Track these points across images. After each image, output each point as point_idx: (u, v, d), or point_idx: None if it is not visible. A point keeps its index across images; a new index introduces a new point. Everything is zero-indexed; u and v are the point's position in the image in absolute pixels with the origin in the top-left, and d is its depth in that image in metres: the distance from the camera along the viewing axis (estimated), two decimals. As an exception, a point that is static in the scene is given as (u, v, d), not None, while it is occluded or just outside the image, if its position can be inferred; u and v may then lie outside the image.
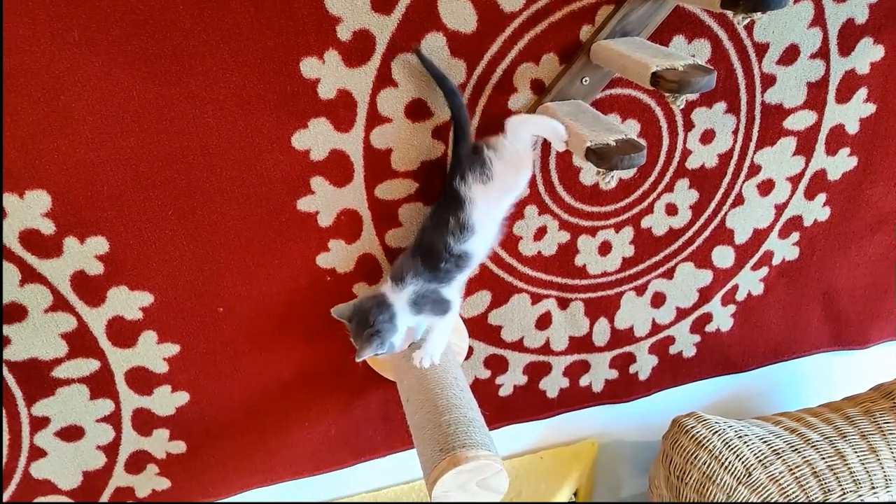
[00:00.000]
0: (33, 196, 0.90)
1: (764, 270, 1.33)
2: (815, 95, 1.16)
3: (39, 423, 1.05)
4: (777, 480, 1.20)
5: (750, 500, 1.19)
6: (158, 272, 1.00)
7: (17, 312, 0.96)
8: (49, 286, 0.96)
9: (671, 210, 1.20)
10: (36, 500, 1.10)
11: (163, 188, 0.94)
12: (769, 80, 1.12)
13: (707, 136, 1.14)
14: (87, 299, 0.98)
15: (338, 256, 1.07)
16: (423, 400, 0.99)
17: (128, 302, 1.00)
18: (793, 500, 1.16)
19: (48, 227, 0.92)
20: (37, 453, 1.07)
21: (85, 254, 0.95)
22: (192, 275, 1.01)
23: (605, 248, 1.20)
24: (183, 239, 0.98)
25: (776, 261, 1.32)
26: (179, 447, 1.15)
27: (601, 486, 1.57)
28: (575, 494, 1.44)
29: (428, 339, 1.03)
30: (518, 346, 1.27)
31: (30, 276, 0.94)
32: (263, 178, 0.98)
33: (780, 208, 1.26)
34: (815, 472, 1.20)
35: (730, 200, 1.22)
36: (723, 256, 1.28)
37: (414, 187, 1.05)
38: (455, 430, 0.94)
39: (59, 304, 0.97)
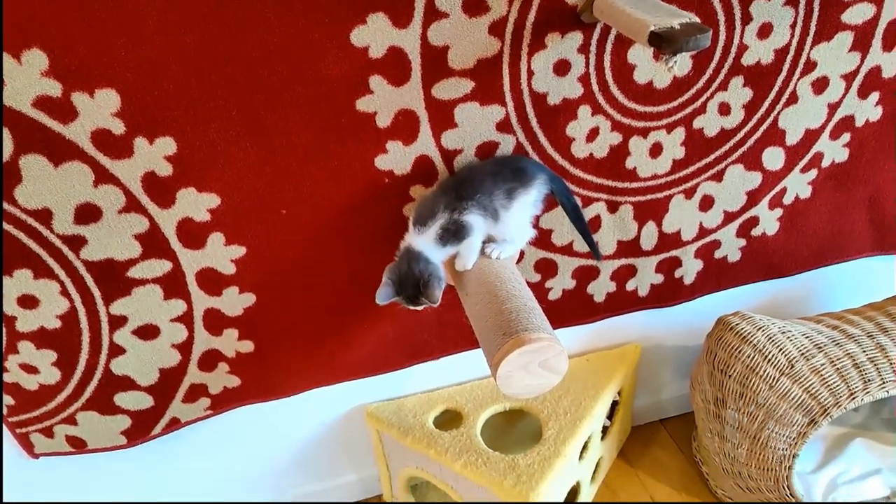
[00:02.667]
0: (103, 95, 0.91)
1: (813, 173, 1.33)
2: (875, -15, 1.13)
3: (117, 322, 1.10)
4: (819, 372, 1.23)
5: (792, 391, 1.23)
6: (224, 174, 1.02)
7: (92, 213, 0.99)
8: (121, 187, 0.99)
9: (724, 110, 1.19)
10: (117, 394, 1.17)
11: (226, 87, 0.95)
12: (830, -31, 1.09)
13: (764, 31, 1.12)
14: (158, 200, 1.01)
15: (395, 158, 1.08)
16: (484, 292, 1.02)
17: (196, 203, 1.03)
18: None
19: (118, 127, 0.94)
20: (116, 350, 1.13)
21: (154, 154, 0.97)
22: (255, 177, 1.04)
23: (656, 150, 1.21)
24: (246, 140, 1.00)
25: (825, 163, 1.32)
26: (248, 346, 1.20)
27: (643, 389, 1.62)
28: (619, 395, 1.49)
29: (459, 257, 1.07)
30: (567, 250, 1.29)
31: (103, 176, 0.97)
32: (323, 77, 0.98)
33: (832, 107, 1.25)
34: (856, 363, 1.24)
35: (783, 99, 1.21)
36: (773, 158, 1.28)
37: (470, 86, 1.05)
38: (517, 316, 0.97)
39: (132, 205, 1.01)
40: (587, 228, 1.19)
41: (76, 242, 1.01)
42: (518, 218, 1.07)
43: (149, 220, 1.02)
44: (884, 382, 1.22)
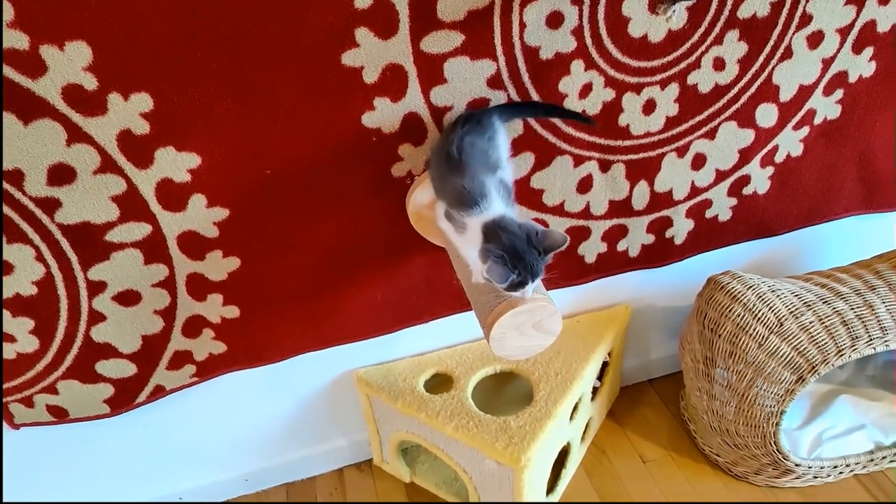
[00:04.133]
0: (74, 48, 0.86)
1: (805, 130, 1.31)
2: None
3: (96, 288, 1.06)
4: (807, 329, 1.24)
5: (780, 348, 1.23)
6: (204, 132, 0.98)
7: (66, 174, 0.95)
8: (96, 146, 0.94)
9: (719, 65, 1.16)
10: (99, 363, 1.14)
11: (205, 40, 0.90)
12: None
13: (762, -18, 1.09)
14: (136, 160, 0.97)
15: (383, 115, 1.05)
16: (477, 254, 1.00)
17: (176, 163, 0.99)
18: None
19: (91, 83, 0.89)
20: (96, 317, 1.09)
21: (130, 111, 0.93)
22: (237, 135, 0.99)
23: (649, 107, 1.18)
24: (227, 96, 0.96)
25: (818, 120, 1.30)
26: (233, 312, 1.17)
27: (632, 349, 1.63)
28: (608, 356, 1.49)
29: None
30: (559, 210, 1.27)
31: (76, 135, 0.92)
32: (307, 29, 0.93)
33: (826, 63, 1.23)
34: (844, 321, 1.24)
35: (778, 54, 1.18)
36: (766, 115, 1.26)
37: (460, 40, 1.01)
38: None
39: (108, 165, 0.96)
40: (556, 105, 1.09)
41: (50, 205, 0.97)
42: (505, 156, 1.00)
43: (126, 182, 0.98)
44: (871, 339, 1.23)
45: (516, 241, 0.86)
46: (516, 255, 0.85)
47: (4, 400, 1.15)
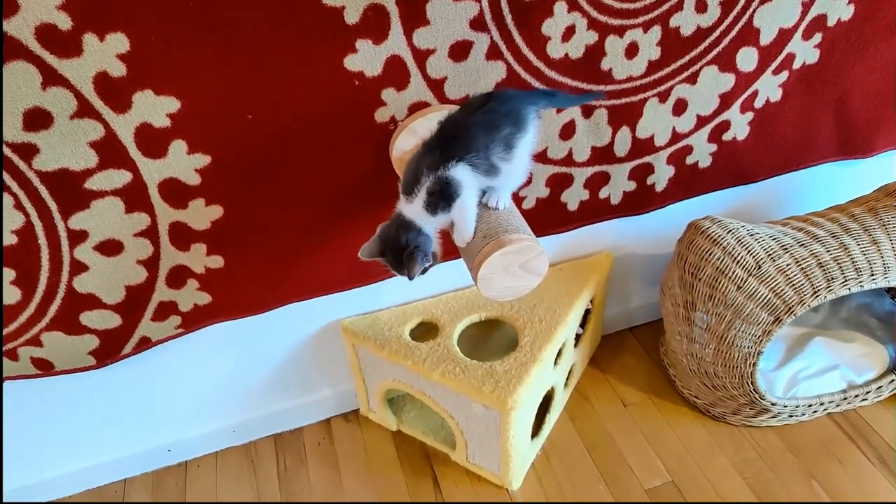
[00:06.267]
0: (45, -15, 0.83)
1: (784, 75, 1.32)
2: None
3: (78, 237, 1.05)
4: (784, 272, 1.27)
5: (759, 291, 1.27)
6: (183, 75, 0.96)
7: (42, 119, 0.92)
8: (72, 89, 0.92)
9: (701, 6, 1.16)
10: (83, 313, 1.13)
11: (181, -23, 0.88)
12: None
13: (744, -80, 1.09)
14: (113, 104, 0.95)
15: (365, 58, 1.03)
16: (463, 197, 1.00)
17: (154, 108, 0.97)
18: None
19: (65, 22, 0.86)
20: (78, 267, 1.08)
21: (105, 52, 0.90)
22: (217, 78, 0.97)
23: (632, 51, 1.18)
24: (206, 37, 0.93)
25: (797, 64, 1.31)
26: (217, 262, 1.16)
27: (613, 298, 1.65)
28: (591, 303, 1.51)
29: (456, 227, 0.98)
30: (542, 157, 1.27)
31: (51, 78, 0.90)
32: (287, -33, 0.92)
33: (806, 6, 1.23)
34: (821, 263, 1.27)
35: (759, -4, 1.19)
36: (747, 59, 1.26)
37: (442, -21, 1.00)
38: (496, 219, 0.96)
39: (85, 109, 0.94)
40: (576, 95, 1.16)
41: (27, 151, 0.94)
42: (520, 161, 0.97)
43: (104, 127, 0.96)
44: (846, 280, 1.27)
45: (395, 244, 0.96)
46: (387, 248, 0.98)
47: (-13, 352, 1.14)
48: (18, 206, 0.99)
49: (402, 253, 0.95)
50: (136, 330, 1.20)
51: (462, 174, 0.92)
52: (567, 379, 1.53)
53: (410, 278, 0.96)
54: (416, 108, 1.11)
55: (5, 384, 1.20)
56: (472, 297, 1.42)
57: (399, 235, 0.95)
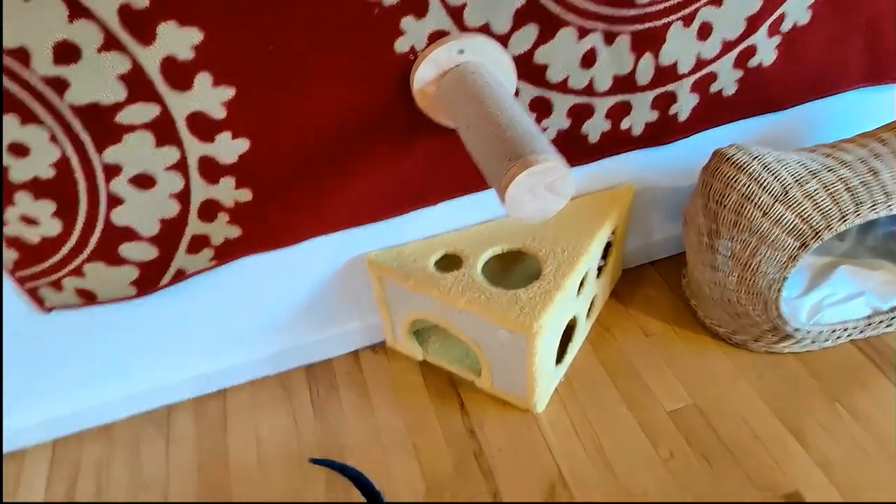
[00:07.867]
0: (67, -85, 0.85)
1: (814, -5, 1.29)
2: None
3: (112, 171, 1.09)
4: (812, 197, 1.26)
5: (785, 216, 1.26)
6: (205, 4, 0.96)
7: (70, 52, 0.95)
8: (97, 22, 0.93)
9: (726, -77, 1.13)
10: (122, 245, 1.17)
11: None
12: None
13: None
14: (138, 37, 0.96)
15: (384, -16, 1.03)
16: (484, 123, 1.01)
17: (179, 39, 0.98)
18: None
19: (88, -47, 0.88)
20: (114, 201, 1.12)
21: (128, -17, 0.92)
22: (237, 6, 0.98)
23: (655, -29, 1.16)
24: (225, -34, 0.94)
25: (827, -17, 1.28)
26: (246, 195, 1.20)
27: (634, 231, 1.66)
28: (612, 235, 1.52)
29: None
30: (562, 86, 1.26)
31: (76, 10, 0.92)
32: None
33: (838, -80, 1.19)
34: (849, 187, 1.26)
35: None
36: (774, -22, 1.23)
37: None
38: (522, 140, 0.97)
39: (111, 42, 0.96)
40: None
41: (59, 85, 0.97)
42: None
43: (130, 60, 0.98)
44: (875, 204, 1.25)
45: None
46: None
47: (34, 284, 1.20)
48: (54, 139, 1.02)
49: None
50: (173, 262, 1.24)
51: None
52: (589, 311, 1.55)
53: None
54: (436, 37, 1.11)
55: (56, 314, 1.26)
56: (496, 230, 1.44)
57: None
